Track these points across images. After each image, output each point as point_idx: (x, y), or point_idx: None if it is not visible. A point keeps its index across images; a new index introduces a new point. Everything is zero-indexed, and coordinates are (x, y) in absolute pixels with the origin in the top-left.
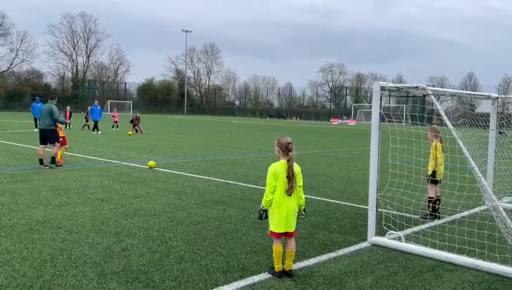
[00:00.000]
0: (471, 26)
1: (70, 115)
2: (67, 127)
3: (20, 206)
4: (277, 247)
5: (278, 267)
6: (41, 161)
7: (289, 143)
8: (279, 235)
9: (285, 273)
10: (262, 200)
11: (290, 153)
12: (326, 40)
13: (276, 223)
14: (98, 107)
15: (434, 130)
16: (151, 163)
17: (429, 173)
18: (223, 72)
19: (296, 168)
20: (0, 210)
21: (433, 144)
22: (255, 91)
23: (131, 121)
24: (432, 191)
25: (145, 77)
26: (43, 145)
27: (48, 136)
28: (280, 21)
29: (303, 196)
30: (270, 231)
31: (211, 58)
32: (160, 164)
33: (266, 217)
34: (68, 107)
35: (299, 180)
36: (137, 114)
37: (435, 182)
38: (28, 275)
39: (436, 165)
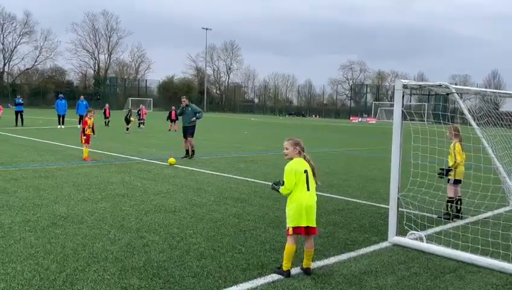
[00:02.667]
0: (494, 23)
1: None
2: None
3: (43, 201)
4: (290, 246)
5: (287, 266)
6: (187, 152)
7: (299, 142)
8: (301, 231)
9: (304, 271)
10: (282, 188)
11: (302, 152)
12: (346, 37)
13: (296, 217)
14: (84, 102)
15: (455, 130)
16: (171, 160)
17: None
18: (243, 70)
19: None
20: (24, 205)
21: (453, 143)
22: (275, 89)
23: (135, 120)
24: (451, 191)
25: (165, 75)
26: (185, 139)
27: (192, 132)
28: (300, 17)
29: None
30: (292, 228)
31: (230, 56)
32: (180, 161)
33: (282, 183)
34: (107, 104)
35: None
36: (131, 109)
37: (456, 182)
38: (51, 269)
39: (454, 164)
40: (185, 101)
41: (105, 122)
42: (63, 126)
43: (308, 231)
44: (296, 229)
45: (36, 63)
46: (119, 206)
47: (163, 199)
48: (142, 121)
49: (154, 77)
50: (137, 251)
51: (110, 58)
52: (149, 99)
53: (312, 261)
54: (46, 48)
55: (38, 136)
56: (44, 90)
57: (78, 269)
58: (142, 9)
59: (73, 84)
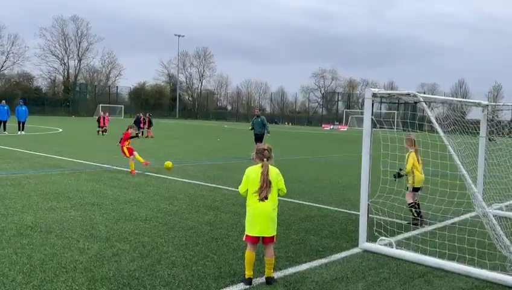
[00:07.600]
0: (462, 32)
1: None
2: (104, 134)
3: (9, 211)
4: (249, 253)
5: (247, 273)
6: None
7: (264, 149)
8: (254, 241)
9: (266, 280)
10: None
11: (264, 160)
12: (319, 45)
13: (248, 225)
14: (6, 107)
15: (410, 139)
16: (168, 163)
17: (409, 181)
18: (216, 77)
19: (274, 171)
20: None
21: (408, 152)
22: (247, 96)
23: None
24: (410, 198)
25: (137, 81)
26: (257, 143)
27: (261, 138)
28: (274, 25)
29: (284, 190)
30: (245, 235)
31: (203, 63)
32: (150, 168)
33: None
34: (107, 113)
35: (279, 184)
36: (103, 114)
37: (415, 189)
38: (17, 281)
39: (405, 172)
40: (257, 112)
41: (98, 131)
42: (23, 132)
43: (262, 240)
44: (248, 238)
45: (3, 68)
46: (88, 215)
47: (134, 207)
48: (104, 128)
49: (126, 83)
50: (107, 260)
51: (80, 64)
52: (120, 106)
53: (285, 268)
54: (13, 53)
55: (4, 143)
56: (11, 97)
57: (46, 280)
58: (113, 15)
59: (41, 91)
